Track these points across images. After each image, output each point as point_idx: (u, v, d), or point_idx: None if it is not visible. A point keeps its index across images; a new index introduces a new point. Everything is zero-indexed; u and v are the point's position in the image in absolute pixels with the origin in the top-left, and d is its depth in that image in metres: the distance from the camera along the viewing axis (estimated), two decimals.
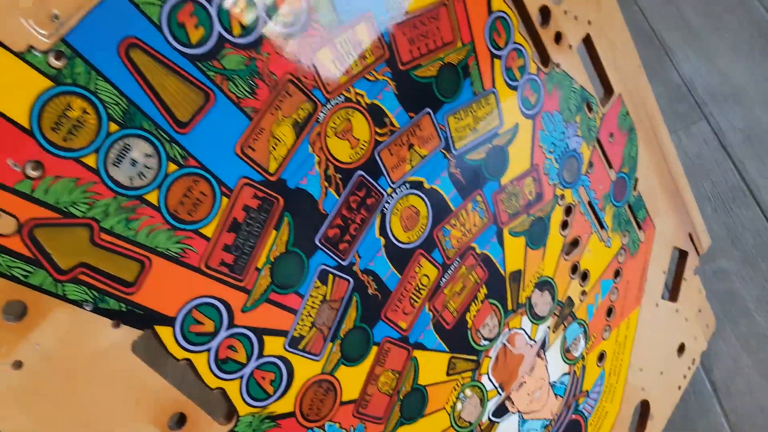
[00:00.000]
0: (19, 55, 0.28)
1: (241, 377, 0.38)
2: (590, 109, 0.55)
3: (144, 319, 0.34)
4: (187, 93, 0.33)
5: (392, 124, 0.42)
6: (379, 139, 0.41)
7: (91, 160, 0.31)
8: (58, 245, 0.30)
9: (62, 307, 0.31)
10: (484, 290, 0.50)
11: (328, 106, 0.39)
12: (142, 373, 0.34)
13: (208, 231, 0.35)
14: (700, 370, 0.80)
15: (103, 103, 0.30)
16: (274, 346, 0.39)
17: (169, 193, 0.33)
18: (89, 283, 0.32)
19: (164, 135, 0.33)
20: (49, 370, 0.31)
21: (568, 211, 0.55)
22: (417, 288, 0.45)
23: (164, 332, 0.34)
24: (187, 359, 0.35)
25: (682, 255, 0.70)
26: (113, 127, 0.31)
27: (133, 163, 0.32)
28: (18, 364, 0.30)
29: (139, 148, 0.32)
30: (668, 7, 1.12)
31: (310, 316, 0.40)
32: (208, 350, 0.36)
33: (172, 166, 0.33)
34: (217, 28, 0.33)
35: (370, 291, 0.43)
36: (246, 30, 0.34)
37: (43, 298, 0.30)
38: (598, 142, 0.56)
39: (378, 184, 0.42)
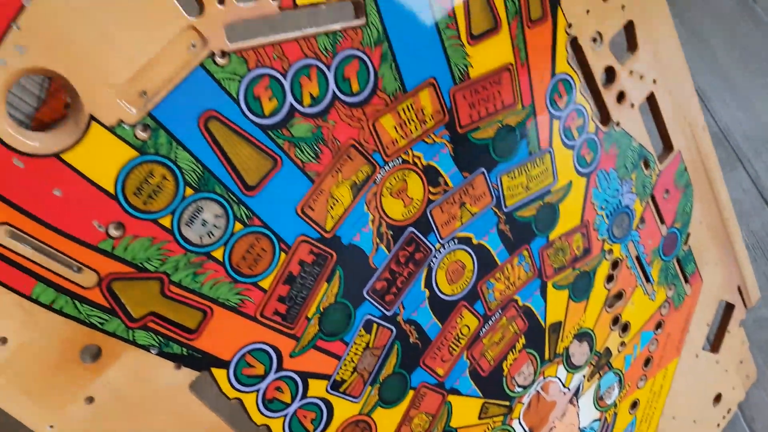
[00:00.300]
0: (110, 128, 0.31)
1: (285, 415, 0.41)
2: (647, 165, 0.54)
3: (202, 362, 0.37)
4: (257, 159, 0.35)
5: (446, 184, 0.43)
6: (432, 197, 0.43)
7: (166, 221, 0.33)
8: (132, 296, 0.33)
9: (132, 351, 0.34)
10: (522, 340, 0.51)
11: (386, 168, 0.40)
12: (197, 409, 0.37)
13: (266, 283, 0.37)
14: (741, 419, 0.79)
15: (181, 170, 0.33)
16: (317, 388, 0.41)
17: (234, 249, 0.36)
18: (156, 330, 0.35)
19: (233, 197, 0.35)
20: (116, 405, 0.34)
21: (615, 265, 0.55)
22: (457, 337, 0.47)
23: (219, 374, 0.37)
24: (238, 398, 0.38)
25: (729, 307, 0.69)
26: (188, 191, 0.33)
27: (204, 223, 0.34)
28: (90, 400, 0.34)
29: (211, 209, 0.34)
30: (703, 52, 1.08)
31: (353, 361, 0.42)
32: (257, 391, 0.39)
33: (238, 225, 0.36)
34: (289, 99, 0.35)
35: (411, 340, 0.45)
36: (315, 100, 0.36)
37: (116, 342, 0.34)
38: (653, 198, 0.56)
39: (427, 240, 0.43)
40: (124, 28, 0.30)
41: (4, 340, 0.30)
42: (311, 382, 0.41)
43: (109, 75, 0.30)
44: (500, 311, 0.49)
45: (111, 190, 0.31)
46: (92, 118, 0.30)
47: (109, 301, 0.33)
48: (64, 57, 0.29)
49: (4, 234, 0.29)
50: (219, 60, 0.32)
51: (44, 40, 0.28)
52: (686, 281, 0.62)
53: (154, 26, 0.30)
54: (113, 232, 0.32)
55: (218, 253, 0.35)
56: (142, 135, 0.31)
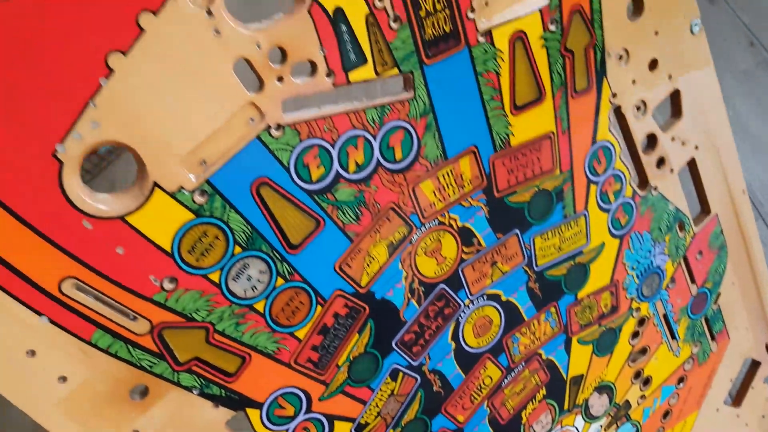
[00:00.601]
0: (171, 194, 0.33)
1: None
2: (682, 228, 0.55)
3: (238, 402, 0.39)
4: (302, 221, 0.37)
5: (479, 244, 0.45)
6: (465, 257, 0.45)
7: (215, 276, 0.36)
8: (179, 343, 0.36)
9: (176, 391, 0.37)
10: (543, 392, 0.52)
11: (423, 229, 0.42)
12: None
13: (301, 333, 0.40)
14: None
15: (232, 231, 0.35)
16: (342, 429, 0.44)
17: (274, 302, 0.38)
18: (199, 373, 0.37)
19: (277, 255, 0.37)
20: None
21: (641, 322, 0.56)
22: (479, 387, 0.49)
23: (253, 414, 0.40)
24: None
25: (755, 363, 0.69)
26: (237, 249, 0.36)
27: (249, 278, 0.37)
28: None
29: (256, 266, 0.37)
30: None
31: (377, 406, 0.45)
32: (287, 430, 0.42)
33: (280, 281, 0.38)
34: (336, 166, 0.37)
35: (434, 388, 0.47)
36: (360, 167, 0.38)
37: (162, 383, 0.36)
38: (685, 259, 0.56)
39: (457, 296, 0.45)
40: (190, 105, 0.32)
41: (64, 379, 0.34)
42: (337, 423, 0.43)
43: (174, 147, 0.32)
44: (523, 364, 0.50)
45: (168, 248, 0.34)
46: (156, 184, 0.33)
47: (158, 346, 0.36)
48: (134, 131, 0.31)
49: (71, 286, 0.32)
50: (274, 132, 0.35)
51: (116, 116, 0.31)
52: (713, 339, 0.62)
53: (218, 103, 0.33)
54: (167, 286, 0.35)
55: (260, 305, 0.38)
56: (199, 200, 0.34)
